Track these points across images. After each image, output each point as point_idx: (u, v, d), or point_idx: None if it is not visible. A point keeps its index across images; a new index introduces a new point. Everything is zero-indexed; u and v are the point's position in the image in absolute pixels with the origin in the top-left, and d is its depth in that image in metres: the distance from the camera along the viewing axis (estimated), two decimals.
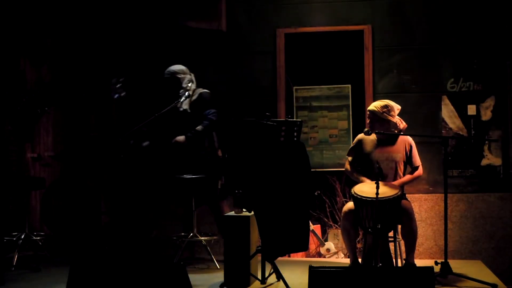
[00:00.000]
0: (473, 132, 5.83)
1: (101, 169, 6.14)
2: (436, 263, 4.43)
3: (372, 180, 4.70)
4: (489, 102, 5.81)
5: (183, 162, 5.23)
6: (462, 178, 5.81)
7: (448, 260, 4.46)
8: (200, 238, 5.27)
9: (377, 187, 4.24)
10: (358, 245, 5.25)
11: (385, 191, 4.50)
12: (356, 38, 5.98)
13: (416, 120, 5.73)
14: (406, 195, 4.93)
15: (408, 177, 4.90)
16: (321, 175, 5.95)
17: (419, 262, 4.82)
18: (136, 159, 5.46)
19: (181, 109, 5.30)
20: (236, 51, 6.15)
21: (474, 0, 5.84)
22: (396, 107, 4.92)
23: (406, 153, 4.91)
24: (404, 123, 4.94)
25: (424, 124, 5.79)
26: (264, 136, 4.50)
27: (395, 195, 4.48)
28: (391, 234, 4.81)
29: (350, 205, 4.69)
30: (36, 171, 6.27)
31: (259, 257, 4.50)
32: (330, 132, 6.05)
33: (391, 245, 4.82)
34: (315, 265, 3.31)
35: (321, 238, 5.87)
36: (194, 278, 4.40)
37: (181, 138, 5.22)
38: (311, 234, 5.57)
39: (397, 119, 4.90)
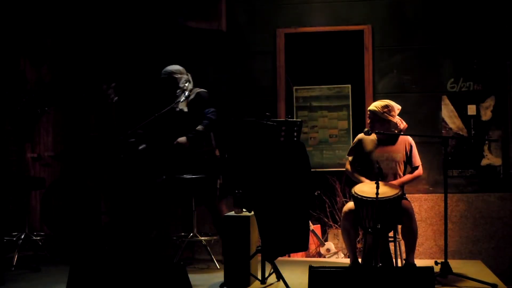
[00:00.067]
0: (473, 132, 5.82)
1: (101, 169, 6.14)
2: (436, 263, 4.43)
3: (372, 180, 4.70)
4: (489, 102, 5.81)
5: (182, 162, 5.22)
6: (462, 178, 5.81)
7: (448, 260, 4.45)
8: (200, 238, 5.27)
9: (377, 187, 4.24)
10: (358, 245, 5.25)
11: (385, 191, 4.50)
12: (356, 38, 5.98)
13: (416, 120, 5.73)
14: (406, 195, 4.93)
15: (408, 176, 4.90)
16: (321, 175, 5.95)
17: (419, 262, 4.82)
18: (136, 159, 5.45)
19: (177, 109, 5.27)
20: (236, 51, 6.15)
21: (474, 0, 5.84)
22: (397, 107, 4.92)
23: (406, 153, 4.91)
24: (404, 123, 4.94)
25: (424, 124, 5.79)
26: (264, 136, 4.50)
27: (395, 195, 4.48)
28: (391, 234, 4.81)
29: (350, 205, 4.68)
30: (36, 171, 6.26)
31: (259, 257, 4.50)
32: (330, 132, 6.05)
33: (391, 245, 4.82)
34: (315, 265, 3.31)
35: (321, 238, 5.87)
36: (194, 278, 4.40)
37: (183, 139, 5.19)
38: (311, 234, 5.57)
39: (397, 119, 4.90)
